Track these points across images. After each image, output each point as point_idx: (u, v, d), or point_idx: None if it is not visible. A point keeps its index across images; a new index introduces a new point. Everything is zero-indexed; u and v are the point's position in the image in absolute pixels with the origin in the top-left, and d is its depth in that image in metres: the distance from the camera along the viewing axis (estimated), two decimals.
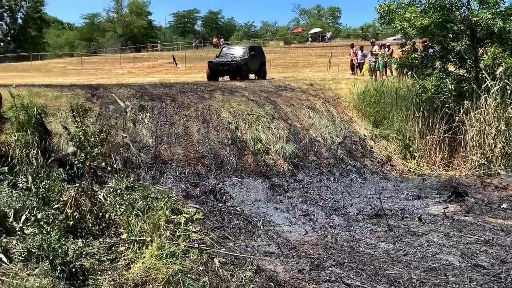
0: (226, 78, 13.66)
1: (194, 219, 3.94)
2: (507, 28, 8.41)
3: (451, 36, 9.36)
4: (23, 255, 3.23)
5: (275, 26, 65.40)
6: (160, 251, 3.27)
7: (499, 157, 8.24)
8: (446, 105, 9.07)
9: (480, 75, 9.12)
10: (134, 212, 3.90)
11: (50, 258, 3.01)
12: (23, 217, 3.87)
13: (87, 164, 4.19)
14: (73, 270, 3.03)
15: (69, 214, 3.65)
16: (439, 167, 8.76)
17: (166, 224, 3.73)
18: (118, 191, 4.69)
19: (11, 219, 3.85)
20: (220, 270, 3.34)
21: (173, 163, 7.57)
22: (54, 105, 8.05)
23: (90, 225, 3.79)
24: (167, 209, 3.91)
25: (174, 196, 4.79)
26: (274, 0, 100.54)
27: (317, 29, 44.48)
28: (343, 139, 9.25)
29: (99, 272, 3.18)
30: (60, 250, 3.02)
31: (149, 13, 53.83)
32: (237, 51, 14.40)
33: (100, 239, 3.68)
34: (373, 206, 6.13)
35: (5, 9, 41.22)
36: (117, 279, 3.10)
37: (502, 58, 8.56)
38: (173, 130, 8.28)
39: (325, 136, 9.20)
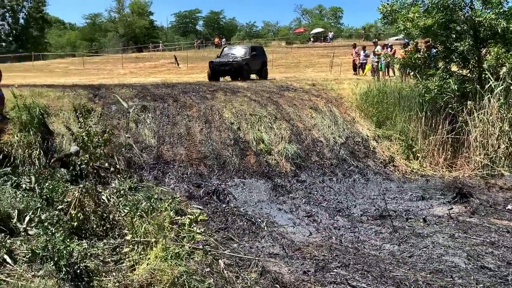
0: (228, 78, 13.61)
1: (198, 220, 3.91)
2: (511, 28, 8.37)
3: (454, 36, 9.32)
4: (27, 256, 3.21)
5: (276, 26, 65.45)
6: (165, 252, 3.25)
7: (503, 158, 8.20)
8: (449, 106, 9.03)
9: (483, 75, 9.09)
10: (138, 213, 3.88)
11: (55, 260, 2.99)
12: (27, 218, 3.86)
13: (90, 164, 4.17)
14: (78, 271, 3.01)
15: (73, 215, 3.63)
16: (442, 168, 8.72)
17: (171, 225, 3.71)
18: (122, 191, 4.68)
19: (15, 220, 3.84)
20: (225, 272, 3.32)
21: (176, 163, 7.56)
22: (57, 106, 8.05)
23: (94, 226, 3.78)
24: (171, 210, 3.89)
25: (178, 197, 4.78)
26: (275, 0, 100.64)
27: (319, 29, 44.39)
28: (346, 140, 9.23)
29: (103, 274, 3.16)
30: (65, 252, 3.00)
31: (150, 13, 53.97)
32: (238, 51, 14.33)
33: (104, 240, 3.67)
34: (377, 207, 6.10)
35: (7, 9, 41.32)
36: (122, 280, 3.08)
37: (506, 59, 8.52)
38: (175, 131, 8.27)
39: (327, 137, 9.18)
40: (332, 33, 41.54)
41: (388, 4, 9.51)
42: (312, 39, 41.32)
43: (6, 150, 6.58)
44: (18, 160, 6.46)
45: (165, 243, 3.35)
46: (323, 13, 66.01)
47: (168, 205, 3.96)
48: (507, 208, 5.91)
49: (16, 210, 3.92)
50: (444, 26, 9.06)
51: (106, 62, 26.80)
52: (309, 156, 8.56)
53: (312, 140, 8.99)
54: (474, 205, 5.89)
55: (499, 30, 8.48)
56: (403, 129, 9.43)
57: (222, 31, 56.03)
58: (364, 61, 15.04)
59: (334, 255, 4.16)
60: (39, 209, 4.01)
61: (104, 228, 3.83)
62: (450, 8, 8.87)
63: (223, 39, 37.28)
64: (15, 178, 4.74)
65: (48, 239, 3.12)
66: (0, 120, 7.15)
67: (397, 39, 23.40)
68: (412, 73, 10.23)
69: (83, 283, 2.99)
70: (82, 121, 4.52)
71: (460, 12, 9.08)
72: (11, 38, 41.83)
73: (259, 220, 5.24)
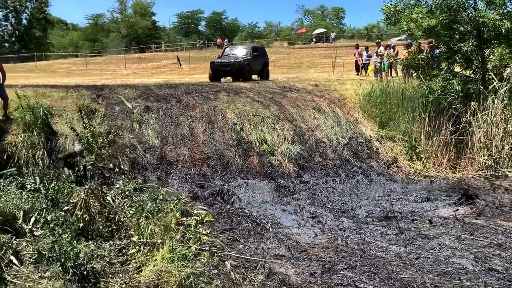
0: (229, 78, 13.57)
1: (204, 221, 3.90)
2: None
3: (457, 36, 9.29)
4: (33, 257, 3.20)
5: (278, 27, 65.40)
6: (171, 254, 3.24)
7: (507, 159, 8.16)
8: (453, 106, 9.00)
9: (487, 76, 9.06)
10: (144, 214, 3.87)
11: (62, 261, 2.99)
12: (32, 219, 3.86)
13: (96, 165, 4.17)
14: (85, 272, 3.00)
15: (79, 216, 3.62)
16: (445, 169, 8.70)
17: (177, 227, 3.70)
18: (127, 192, 4.67)
19: (20, 221, 3.83)
20: (232, 273, 3.31)
21: (179, 164, 7.55)
22: (60, 106, 8.06)
23: (100, 227, 3.76)
24: (177, 211, 3.88)
25: (184, 198, 4.76)
26: (277, 1, 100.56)
27: (321, 30, 44.29)
28: (349, 140, 9.21)
29: (110, 275, 3.15)
30: (72, 253, 2.99)
31: (153, 14, 53.95)
32: (240, 52, 14.25)
33: (110, 241, 3.66)
34: (382, 208, 6.08)
35: (10, 10, 41.43)
36: (128, 282, 3.07)
37: (510, 59, 8.49)
38: (179, 131, 8.27)
39: (330, 137, 9.16)
40: (334, 33, 41.42)
41: (391, 4, 9.50)
42: (314, 39, 41.23)
43: (10, 150, 6.59)
44: (22, 161, 6.47)
45: (172, 245, 3.34)
46: (325, 14, 65.89)
47: (174, 206, 3.95)
48: None
49: (21, 211, 3.91)
50: (448, 27, 9.04)
51: (108, 63, 26.83)
52: (312, 157, 8.54)
53: (315, 140, 8.97)
54: (480, 207, 5.86)
55: (503, 31, 8.46)
56: (407, 130, 9.41)
57: (224, 31, 56.00)
58: (367, 61, 15.01)
59: (341, 256, 4.14)
60: (44, 210, 4.01)
61: (110, 229, 3.81)
62: (454, 8, 8.85)
63: (225, 40, 37.25)
64: (21, 179, 4.74)
65: (54, 240, 3.12)
66: (4, 120, 7.18)
67: (399, 40, 23.34)
68: (415, 73, 10.21)
69: (90, 284, 2.98)
70: (87, 121, 4.50)
71: (464, 13, 9.06)
72: (14, 39, 41.94)
73: (264, 221, 5.22)
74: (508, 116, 8.38)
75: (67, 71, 21.68)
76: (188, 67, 23.04)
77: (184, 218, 4.06)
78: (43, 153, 6.76)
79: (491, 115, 8.51)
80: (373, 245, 4.55)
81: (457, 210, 5.86)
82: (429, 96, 9.06)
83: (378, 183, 7.86)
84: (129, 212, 4.05)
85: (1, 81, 7.27)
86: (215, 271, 3.27)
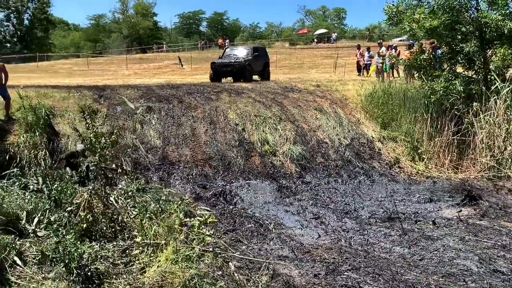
0: (230, 79, 13.52)
1: (208, 222, 3.90)
2: None
3: (459, 37, 9.27)
4: (37, 258, 3.19)
5: (280, 27, 65.39)
6: (175, 255, 3.23)
7: (509, 160, 8.13)
8: (455, 107, 8.97)
9: (489, 76, 9.04)
10: (147, 215, 3.86)
11: (66, 262, 2.98)
12: (36, 219, 3.85)
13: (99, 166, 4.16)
14: (89, 273, 2.99)
15: (83, 216, 3.61)
16: (447, 170, 8.68)
17: (180, 227, 3.69)
18: (129, 193, 4.66)
19: (23, 221, 3.83)
20: (236, 275, 3.29)
21: (181, 164, 7.55)
22: (62, 106, 8.06)
23: (104, 228, 3.76)
24: (180, 212, 3.87)
25: (187, 199, 4.76)
26: (279, 1, 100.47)
27: (323, 30, 44.20)
28: (351, 141, 9.19)
29: (114, 276, 3.14)
30: (76, 254, 2.98)
31: (154, 14, 53.96)
32: (240, 52, 14.17)
33: (114, 242, 3.65)
34: (385, 209, 6.06)
35: (11, 11, 41.48)
36: (132, 283, 3.06)
37: None
38: (180, 132, 8.26)
39: (332, 138, 9.15)
40: (336, 34, 41.35)
41: (393, 5, 9.48)
42: (315, 40, 41.16)
43: (12, 151, 6.59)
44: (24, 161, 6.47)
45: (175, 246, 3.33)
46: (326, 14, 65.82)
47: (177, 207, 3.94)
48: None
49: (24, 212, 3.91)
50: (450, 27, 9.02)
51: (110, 63, 26.82)
52: (314, 158, 8.53)
53: (317, 141, 8.96)
54: (484, 208, 5.84)
55: (506, 31, 8.43)
56: (409, 131, 9.39)
57: (226, 32, 55.98)
58: (369, 62, 14.99)
59: (344, 258, 4.13)
60: (47, 211, 4.00)
61: (113, 230, 3.80)
62: (456, 9, 8.82)
63: (227, 40, 37.21)
64: (24, 180, 4.73)
65: (58, 241, 3.10)
66: (6, 121, 7.18)
67: (400, 40, 23.31)
68: (417, 74, 10.19)
69: (94, 285, 2.97)
70: (90, 122, 4.49)
71: (466, 13, 9.04)
72: (15, 39, 41.98)
73: (267, 222, 5.21)
74: (511, 116, 8.35)
75: (68, 72, 21.69)
76: (190, 68, 23.03)
77: (188, 219, 4.05)
78: (45, 154, 6.76)
79: (494, 115, 8.49)
80: (376, 246, 4.53)
81: (461, 211, 5.84)
82: (431, 96, 9.04)
83: (380, 183, 7.84)
84: (132, 213, 4.04)
85: (3, 82, 7.28)
86: (219, 272, 3.25)
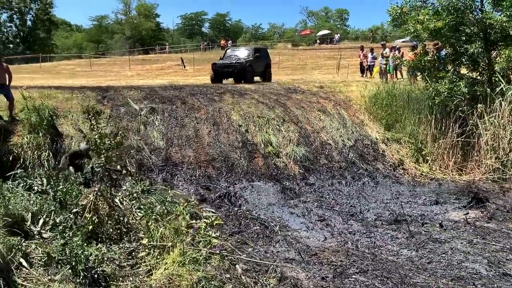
0: (232, 80, 13.47)
1: (214, 224, 3.86)
2: None
3: (464, 38, 9.24)
4: (43, 260, 3.17)
5: (282, 28, 65.37)
6: (182, 257, 3.19)
7: None
8: (459, 109, 8.93)
9: (494, 78, 8.98)
10: (153, 216, 3.83)
11: (72, 264, 2.95)
12: (41, 221, 3.83)
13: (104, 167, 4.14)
14: (95, 276, 2.96)
15: (89, 218, 3.59)
16: (452, 171, 8.63)
17: (187, 229, 3.66)
18: (134, 194, 4.63)
19: (28, 223, 3.80)
20: (243, 277, 3.26)
21: (184, 165, 7.52)
22: (65, 107, 8.05)
23: (110, 230, 3.73)
24: (186, 214, 3.84)
25: (193, 201, 4.72)
26: (281, 2, 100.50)
27: (325, 31, 44.07)
28: (355, 142, 9.15)
29: (120, 278, 3.10)
30: (82, 256, 2.95)
31: (157, 16, 54.09)
32: (242, 53, 14.07)
33: (120, 244, 3.61)
34: (391, 211, 6.01)
35: (14, 11, 41.63)
36: (139, 285, 3.03)
37: None
38: (184, 133, 8.24)
39: (336, 139, 9.11)
40: (339, 35, 41.28)
41: (397, 6, 9.46)
42: (318, 41, 41.08)
43: (16, 152, 6.58)
44: (27, 162, 6.46)
45: (182, 248, 3.29)
46: (329, 15, 65.73)
47: (183, 208, 3.91)
48: None
49: (29, 213, 3.88)
50: (454, 29, 8.99)
51: (113, 64, 26.85)
52: (317, 159, 8.49)
53: (320, 142, 8.92)
54: (491, 210, 5.79)
55: (511, 33, 8.39)
56: (413, 132, 9.34)
57: (228, 33, 55.97)
58: (372, 63, 14.95)
59: (352, 260, 4.09)
60: (52, 212, 3.97)
61: (119, 231, 3.77)
62: (461, 10, 8.79)
63: (229, 41, 37.21)
64: (30, 181, 4.71)
65: (65, 242, 3.08)
66: (10, 121, 7.18)
67: (403, 41, 23.26)
68: (421, 75, 10.15)
69: None
70: (95, 123, 4.47)
71: (471, 15, 9.00)
72: (18, 40, 42.09)
73: (272, 224, 5.17)
74: None
75: (71, 72, 21.72)
76: (192, 69, 23.04)
77: (194, 221, 4.01)
78: (48, 154, 6.75)
79: (499, 117, 8.44)
80: (384, 249, 4.48)
81: (468, 213, 5.78)
82: (436, 98, 9.00)
83: (384, 185, 7.80)
84: (138, 215, 4.01)
85: (7, 82, 7.27)
86: (227, 275, 3.22)
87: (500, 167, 8.00)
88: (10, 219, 3.55)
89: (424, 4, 9.43)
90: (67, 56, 37.50)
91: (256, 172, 7.73)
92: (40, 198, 4.23)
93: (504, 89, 8.49)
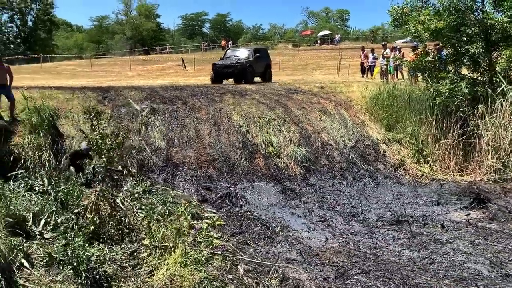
0: (231, 80, 13.44)
1: (216, 224, 3.86)
2: None
3: (465, 39, 9.23)
4: (44, 260, 3.16)
5: (283, 29, 65.34)
6: (184, 257, 3.19)
7: None
8: (460, 109, 8.92)
9: (495, 78, 8.98)
10: (155, 217, 3.82)
11: (74, 264, 2.94)
12: (42, 221, 3.82)
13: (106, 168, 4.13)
14: (97, 276, 2.96)
15: (90, 219, 3.58)
16: (453, 172, 8.62)
17: (188, 230, 3.65)
18: (136, 195, 4.63)
19: (30, 223, 3.80)
20: (245, 278, 3.25)
21: (185, 166, 7.52)
22: (66, 108, 8.05)
23: (112, 230, 3.72)
24: (188, 214, 3.83)
25: (195, 201, 4.72)
26: (282, 3, 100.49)
27: (326, 32, 44.00)
28: (356, 143, 9.15)
29: (122, 279, 3.10)
30: (84, 256, 2.94)
31: (157, 16, 54.08)
32: (242, 53, 14.01)
33: (121, 245, 3.61)
34: (392, 212, 6.00)
35: (15, 12, 41.68)
36: (141, 286, 3.02)
37: None
38: (185, 133, 8.24)
39: (337, 140, 9.11)
40: (339, 35, 41.24)
41: (398, 7, 9.46)
42: (319, 41, 41.06)
43: (17, 152, 6.57)
44: (28, 162, 6.45)
45: (184, 248, 3.29)
46: (329, 16, 65.68)
47: (185, 209, 3.90)
48: None
49: (31, 213, 3.88)
50: (455, 29, 8.98)
51: (113, 64, 26.84)
52: (318, 160, 8.49)
53: (321, 143, 8.92)
54: (493, 211, 5.77)
55: None
56: (413, 133, 9.34)
57: (229, 33, 55.93)
58: (373, 63, 14.94)
59: (354, 261, 4.08)
60: (53, 213, 3.97)
61: (120, 232, 3.77)
62: (462, 10, 8.78)
63: (230, 42, 37.19)
64: (31, 181, 4.70)
65: (66, 243, 3.07)
66: (11, 122, 7.18)
67: (404, 42, 23.25)
68: (421, 76, 10.15)
69: None
70: (96, 123, 4.47)
71: (472, 15, 8.99)
72: (19, 40, 42.12)
73: (273, 225, 5.17)
74: None
75: (72, 73, 21.71)
76: (193, 69, 23.04)
77: (195, 221, 4.01)
78: (49, 155, 6.75)
79: (500, 118, 8.43)
80: (385, 250, 4.47)
81: (469, 214, 5.77)
82: (437, 98, 9.00)
83: (385, 186, 7.80)
84: (139, 215, 4.00)
85: (8, 83, 7.28)
86: (229, 275, 3.21)
87: (501, 167, 7.99)
88: (11, 220, 3.55)
89: (425, 5, 9.44)
90: (68, 57, 37.48)
91: (257, 173, 7.72)
92: (41, 198, 4.22)
93: (505, 89, 8.48)
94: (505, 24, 8.43)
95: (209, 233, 3.75)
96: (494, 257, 4.30)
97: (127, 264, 3.34)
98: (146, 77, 19.05)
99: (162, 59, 29.91)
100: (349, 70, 16.96)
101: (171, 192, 5.14)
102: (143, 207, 4.24)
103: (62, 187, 4.28)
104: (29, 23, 43.06)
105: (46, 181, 4.84)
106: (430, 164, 8.85)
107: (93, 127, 4.54)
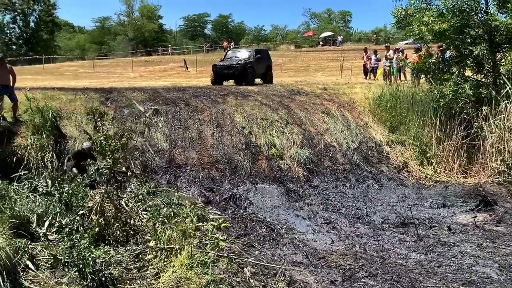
0: (232, 82, 13.38)
1: (221, 226, 3.82)
2: None
3: (468, 40, 9.20)
4: (49, 262, 3.13)
5: (285, 30, 65.28)
6: (190, 260, 3.15)
7: None
8: (464, 111, 8.88)
9: (499, 80, 8.94)
10: (160, 219, 3.79)
11: (79, 266, 2.91)
12: (47, 223, 3.79)
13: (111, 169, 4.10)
14: (103, 279, 2.92)
15: (95, 220, 3.55)
16: (457, 174, 8.57)
17: (194, 232, 3.61)
18: (140, 196, 4.59)
19: (34, 225, 3.77)
20: (252, 281, 3.21)
21: (187, 167, 7.49)
22: (69, 109, 8.03)
23: (117, 232, 3.68)
24: (193, 216, 3.80)
25: (200, 203, 4.68)
26: (284, 4, 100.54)
27: (328, 33, 43.98)
28: (359, 145, 9.11)
29: (127, 281, 3.06)
30: (90, 259, 2.91)
31: (160, 17, 54.15)
32: (242, 54, 13.89)
33: (126, 247, 3.57)
34: (397, 214, 5.96)
35: (17, 13, 41.82)
36: None
37: None
38: (187, 134, 8.21)
39: (340, 141, 9.07)
40: (341, 37, 41.20)
41: (402, 8, 9.44)
42: (321, 42, 41.04)
43: (20, 153, 6.55)
44: (31, 163, 6.43)
45: (190, 251, 3.25)
46: (331, 17, 65.62)
47: (190, 211, 3.86)
48: None
49: (35, 215, 3.85)
50: (459, 31, 8.96)
51: (116, 66, 26.87)
52: (321, 161, 8.45)
53: (324, 145, 8.88)
54: (500, 214, 5.73)
55: None
56: (417, 135, 9.30)
57: (231, 34, 55.91)
58: (376, 65, 14.90)
59: (360, 264, 4.03)
60: (58, 214, 3.94)
61: (125, 234, 3.73)
62: (466, 12, 8.76)
63: (232, 43, 37.18)
64: (35, 182, 4.67)
65: (72, 245, 3.04)
66: (14, 123, 7.16)
67: (406, 43, 23.22)
68: (425, 77, 10.11)
69: None
70: (100, 125, 4.43)
71: (475, 17, 8.97)
72: (21, 41, 42.24)
73: (278, 227, 5.13)
74: None
75: (74, 74, 21.74)
76: (195, 70, 23.04)
77: (200, 223, 3.97)
78: (52, 156, 6.72)
79: (504, 120, 8.38)
80: (392, 252, 4.43)
81: (476, 216, 5.73)
82: (440, 100, 8.96)
83: (389, 188, 7.75)
84: (144, 217, 3.97)
85: (11, 84, 7.26)
86: (236, 278, 3.17)
87: (506, 170, 7.94)
88: (16, 221, 3.52)
89: (429, 6, 9.42)
90: (70, 58, 37.55)
91: (259, 174, 7.69)
92: (45, 199, 4.19)
93: (509, 91, 8.44)
94: (509, 26, 8.41)
95: (214, 235, 3.72)
96: (503, 260, 4.25)
97: (132, 266, 3.31)
98: (148, 78, 19.05)
99: (164, 60, 29.94)
100: (352, 71, 16.94)
101: (175, 193, 5.09)
102: (148, 208, 4.21)
103: (67, 189, 4.25)
104: (32, 24, 43.19)
105: (49, 182, 4.81)
106: (433, 166, 8.80)
107: (97, 128, 4.51)
